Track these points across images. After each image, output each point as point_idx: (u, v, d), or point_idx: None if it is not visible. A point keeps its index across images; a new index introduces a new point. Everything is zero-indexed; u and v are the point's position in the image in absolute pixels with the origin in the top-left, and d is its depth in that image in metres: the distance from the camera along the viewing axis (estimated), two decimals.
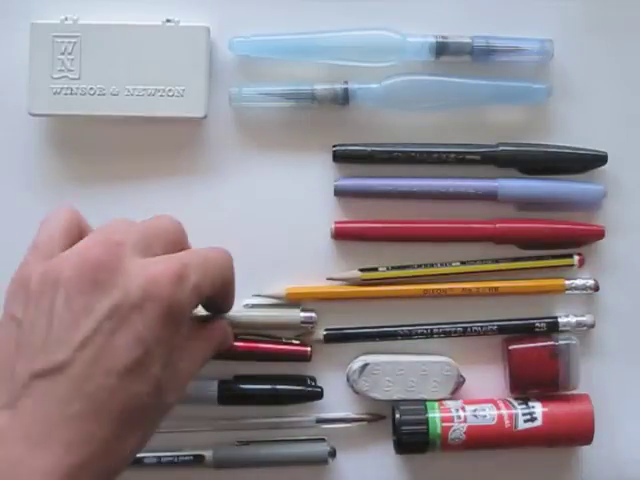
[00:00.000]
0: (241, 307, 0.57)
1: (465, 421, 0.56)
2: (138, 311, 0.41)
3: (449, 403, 0.57)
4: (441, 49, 0.57)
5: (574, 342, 0.57)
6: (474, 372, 0.58)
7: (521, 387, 0.57)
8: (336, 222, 0.58)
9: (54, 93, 0.56)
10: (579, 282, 0.58)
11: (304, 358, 0.58)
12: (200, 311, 0.51)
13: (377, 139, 0.58)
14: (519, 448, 0.57)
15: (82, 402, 0.39)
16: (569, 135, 0.59)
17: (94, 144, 0.58)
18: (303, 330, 0.57)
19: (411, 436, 0.56)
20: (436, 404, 0.57)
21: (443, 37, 0.57)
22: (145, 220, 0.47)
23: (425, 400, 0.57)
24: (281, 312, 0.57)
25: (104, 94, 0.56)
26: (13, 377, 0.39)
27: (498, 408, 0.56)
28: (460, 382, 0.58)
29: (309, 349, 0.58)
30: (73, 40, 0.56)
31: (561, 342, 0.57)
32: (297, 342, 0.58)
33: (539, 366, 0.56)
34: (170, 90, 0.56)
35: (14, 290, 0.44)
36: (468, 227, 0.58)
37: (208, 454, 0.57)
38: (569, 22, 0.59)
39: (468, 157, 0.58)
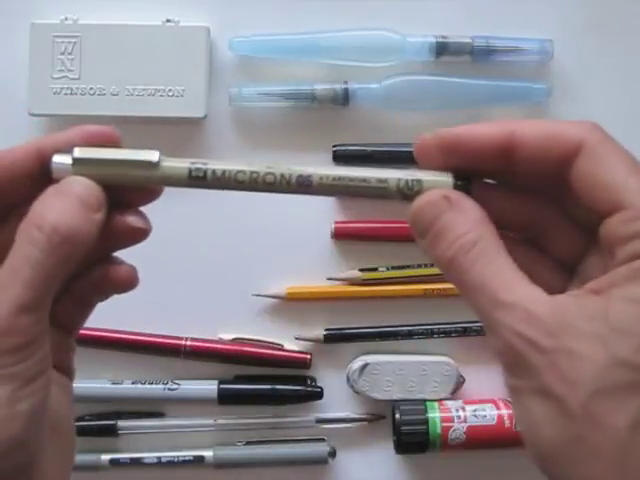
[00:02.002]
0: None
1: (465, 421, 0.56)
2: None
3: (449, 403, 0.57)
4: (441, 49, 0.57)
5: None
6: (474, 372, 0.58)
7: None
8: (336, 222, 0.58)
9: (54, 93, 0.56)
10: None
11: (304, 365, 0.58)
12: None
13: (377, 139, 0.58)
14: (519, 448, 0.57)
15: None
16: None
17: None
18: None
19: (411, 436, 0.56)
20: (436, 404, 0.57)
21: (443, 37, 0.57)
22: None
23: (425, 400, 0.57)
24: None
25: (104, 94, 0.56)
26: None
27: (498, 408, 0.56)
28: (460, 382, 0.58)
29: (309, 356, 0.58)
30: (73, 40, 0.56)
31: None
32: (297, 349, 0.58)
33: None
34: (170, 90, 0.56)
35: None
36: None
37: (208, 454, 0.57)
38: (569, 22, 0.59)
39: None
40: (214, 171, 0.31)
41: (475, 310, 0.29)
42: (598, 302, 0.27)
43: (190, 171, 0.31)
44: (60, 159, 0.31)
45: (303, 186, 0.32)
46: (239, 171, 0.31)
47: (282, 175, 0.31)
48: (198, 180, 0.31)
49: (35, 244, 0.29)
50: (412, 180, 0.31)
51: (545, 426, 0.28)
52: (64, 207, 0.30)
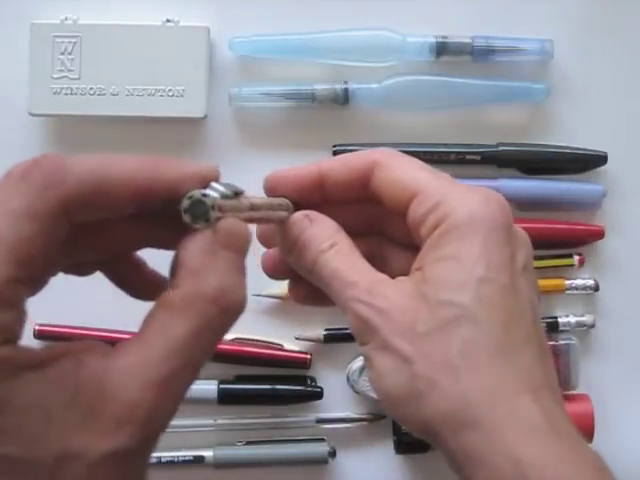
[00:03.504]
0: None
1: None
2: None
3: None
4: (441, 49, 0.57)
5: (574, 342, 0.57)
6: None
7: None
8: None
9: (54, 93, 0.56)
10: (579, 282, 0.58)
11: (303, 365, 0.58)
12: None
13: (377, 139, 0.58)
14: None
15: None
16: (569, 135, 0.59)
17: (94, 144, 0.58)
18: None
19: (411, 436, 0.56)
20: None
21: (443, 37, 0.57)
22: None
23: None
24: None
25: (104, 94, 0.56)
26: None
27: None
28: None
29: (309, 356, 0.58)
30: (73, 40, 0.56)
31: (561, 342, 0.57)
32: (297, 349, 0.58)
33: None
34: (170, 90, 0.56)
35: None
36: None
37: (208, 454, 0.57)
38: (569, 22, 0.59)
39: (468, 157, 0.58)
40: None
41: (332, 297, 0.34)
42: (418, 273, 0.33)
43: None
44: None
45: None
46: None
47: None
48: None
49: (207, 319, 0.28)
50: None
51: (389, 375, 0.32)
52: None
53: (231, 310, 0.30)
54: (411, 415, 0.32)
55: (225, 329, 0.30)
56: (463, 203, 0.33)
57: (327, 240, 0.34)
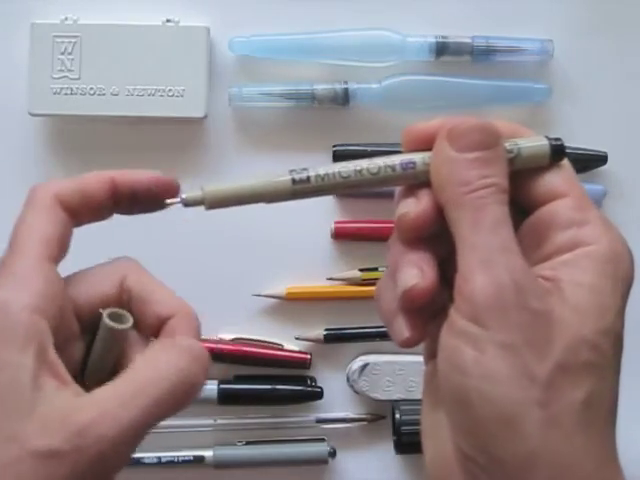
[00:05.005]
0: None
1: None
2: None
3: None
4: (441, 49, 0.57)
5: None
6: None
7: None
8: (336, 222, 0.58)
9: (54, 93, 0.56)
10: None
11: (304, 365, 0.58)
12: None
13: (377, 139, 0.58)
14: None
15: None
16: (569, 135, 0.58)
17: (94, 144, 0.58)
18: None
19: (411, 436, 0.56)
20: None
21: (443, 37, 0.57)
22: None
23: None
24: None
25: (104, 94, 0.56)
26: None
27: None
28: None
29: (309, 356, 0.58)
30: (73, 40, 0.56)
31: None
32: (297, 349, 0.58)
33: None
34: (170, 90, 0.56)
35: None
36: None
37: (208, 454, 0.57)
38: (569, 22, 0.59)
39: None
40: (317, 173, 0.32)
41: (462, 235, 0.30)
42: (551, 285, 0.30)
43: (293, 180, 0.33)
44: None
45: (407, 169, 0.32)
46: (342, 166, 0.32)
47: (385, 163, 0.32)
48: (303, 183, 0.33)
49: None
50: (510, 146, 0.33)
51: (506, 384, 0.28)
52: None
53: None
54: (511, 436, 0.28)
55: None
56: (607, 238, 0.32)
57: (496, 175, 0.31)
